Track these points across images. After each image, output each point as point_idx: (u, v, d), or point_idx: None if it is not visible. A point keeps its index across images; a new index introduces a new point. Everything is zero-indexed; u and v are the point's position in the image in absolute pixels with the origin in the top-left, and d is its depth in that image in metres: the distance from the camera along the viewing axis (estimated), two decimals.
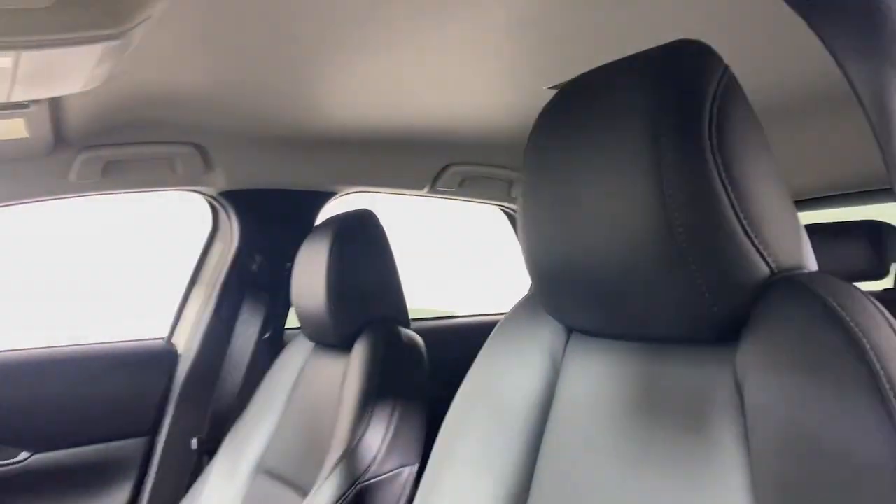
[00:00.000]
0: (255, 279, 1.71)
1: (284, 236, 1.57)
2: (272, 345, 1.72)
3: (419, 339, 1.38)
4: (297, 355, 1.54)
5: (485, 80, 1.20)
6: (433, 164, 1.75)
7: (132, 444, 1.65)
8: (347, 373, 1.32)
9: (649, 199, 0.60)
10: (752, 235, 0.60)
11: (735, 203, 0.60)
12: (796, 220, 0.66)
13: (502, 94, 1.28)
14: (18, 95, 0.90)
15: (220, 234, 1.74)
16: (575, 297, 0.73)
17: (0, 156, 1.23)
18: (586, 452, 0.73)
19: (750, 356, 0.60)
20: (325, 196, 1.76)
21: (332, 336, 1.36)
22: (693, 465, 0.63)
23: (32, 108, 1.03)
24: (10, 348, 1.60)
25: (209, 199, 1.66)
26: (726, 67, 0.65)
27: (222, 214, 1.69)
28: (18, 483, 1.51)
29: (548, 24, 0.97)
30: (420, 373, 1.33)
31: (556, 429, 0.78)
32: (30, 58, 0.77)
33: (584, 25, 0.98)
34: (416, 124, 1.49)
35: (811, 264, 0.66)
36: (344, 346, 1.37)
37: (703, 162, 0.59)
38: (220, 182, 1.58)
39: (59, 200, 1.44)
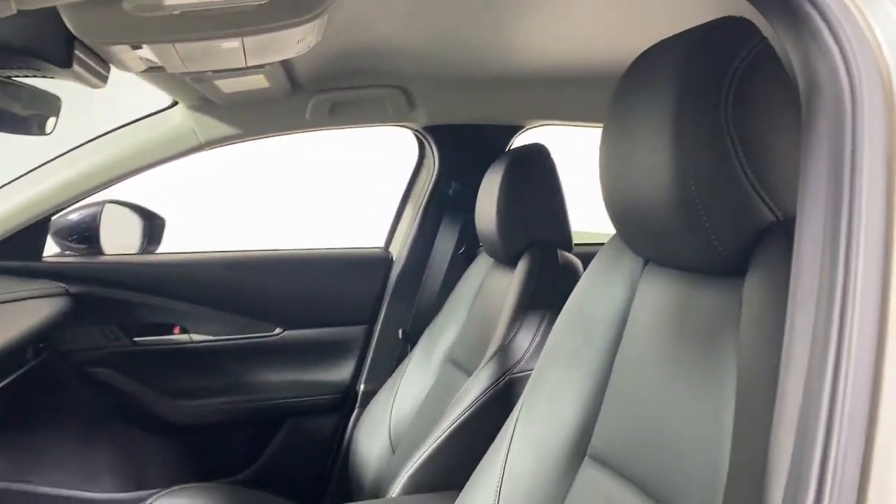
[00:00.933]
0: (452, 202, 2.00)
1: (477, 165, 1.81)
2: (465, 258, 1.99)
3: (576, 262, 1.56)
4: (480, 268, 1.80)
5: (668, 14, 1.29)
6: None
7: (355, 330, 2.06)
8: (511, 285, 1.55)
9: (670, 155, 0.74)
10: (758, 187, 0.71)
11: (742, 159, 0.71)
12: None
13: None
14: (252, 62, 1.23)
15: (424, 162, 2.04)
16: (635, 232, 0.88)
17: (252, 100, 1.61)
18: (643, 358, 0.90)
19: (747, 290, 0.72)
20: (513, 129, 1.97)
21: (502, 253, 1.59)
22: (702, 372, 0.77)
23: (268, 68, 1.36)
24: (273, 248, 2.07)
25: (415, 132, 1.96)
26: (761, 41, 0.74)
27: (426, 145, 1.99)
28: (274, 350, 1.99)
29: None
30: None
31: (628, 338, 0.95)
32: (250, 40, 1.07)
33: None
34: (599, 59, 1.60)
35: None
36: (511, 263, 1.60)
37: (716, 123, 0.71)
38: (423, 118, 1.86)
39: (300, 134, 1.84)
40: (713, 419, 0.73)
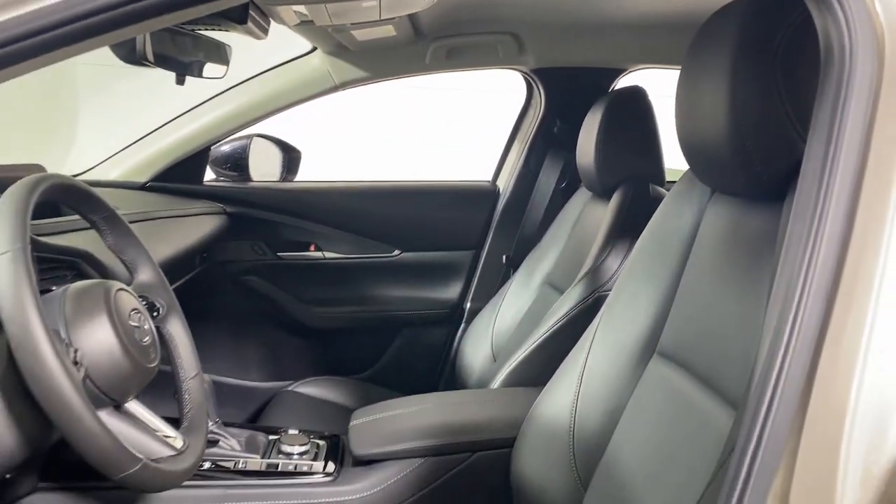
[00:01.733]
0: (557, 140, 2.17)
1: (581, 106, 1.96)
2: (566, 192, 2.16)
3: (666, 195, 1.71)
4: (579, 201, 1.97)
5: None
6: None
7: (464, 255, 2.30)
8: (605, 215, 1.72)
9: (728, 99, 0.90)
10: (798, 127, 0.86)
11: (787, 103, 0.86)
12: None
13: None
14: (385, 16, 1.45)
15: (532, 102, 2.22)
16: (701, 165, 1.04)
17: (380, 46, 1.83)
18: (705, 270, 1.07)
19: (784, 213, 0.88)
20: (616, 72, 2.10)
21: (598, 186, 1.76)
22: (748, 280, 0.94)
23: (396, 19, 1.57)
24: (395, 179, 2.32)
25: (524, 74, 2.13)
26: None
27: (533, 87, 2.16)
28: (393, 269, 2.27)
29: None
30: None
31: (695, 254, 1.12)
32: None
33: None
34: (697, 6, 1.71)
35: None
36: (607, 196, 1.76)
37: (767, 74, 0.87)
38: (531, 61, 2.03)
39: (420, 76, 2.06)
40: (754, 317, 0.91)
